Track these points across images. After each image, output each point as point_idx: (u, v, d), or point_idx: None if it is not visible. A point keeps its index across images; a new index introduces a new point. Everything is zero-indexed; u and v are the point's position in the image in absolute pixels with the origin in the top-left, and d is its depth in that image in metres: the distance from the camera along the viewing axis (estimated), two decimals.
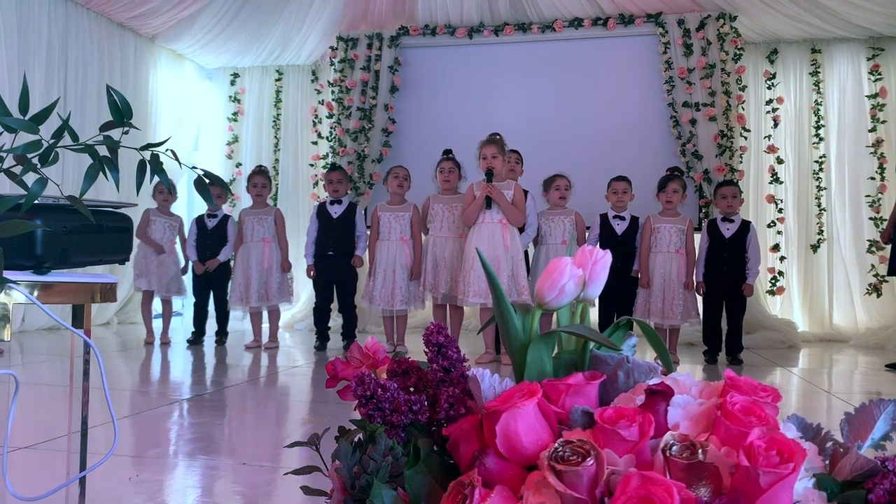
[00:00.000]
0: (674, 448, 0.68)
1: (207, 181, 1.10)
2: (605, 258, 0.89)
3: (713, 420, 0.73)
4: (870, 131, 6.54)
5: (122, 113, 0.85)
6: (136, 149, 0.91)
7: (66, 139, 0.86)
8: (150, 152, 0.89)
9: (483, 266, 0.90)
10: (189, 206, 7.25)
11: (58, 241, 1.21)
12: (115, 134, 0.88)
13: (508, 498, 0.71)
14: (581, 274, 0.87)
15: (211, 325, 5.51)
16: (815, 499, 0.68)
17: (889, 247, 4.57)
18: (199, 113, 7.83)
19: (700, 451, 0.68)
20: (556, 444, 0.70)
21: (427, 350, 0.90)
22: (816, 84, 6.70)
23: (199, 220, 5.48)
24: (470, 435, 0.80)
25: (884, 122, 6.51)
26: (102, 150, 0.86)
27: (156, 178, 0.97)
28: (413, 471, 0.81)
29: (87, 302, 1.35)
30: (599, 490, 0.68)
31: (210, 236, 5.42)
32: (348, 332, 5.28)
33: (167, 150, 0.90)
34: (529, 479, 0.72)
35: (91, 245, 1.30)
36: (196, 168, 0.96)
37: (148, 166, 0.89)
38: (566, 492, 0.67)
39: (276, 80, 7.70)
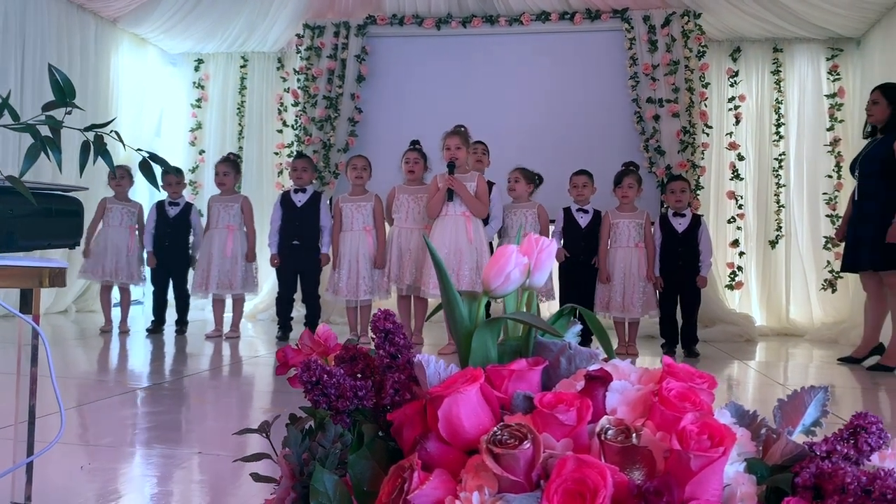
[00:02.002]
0: (609, 432, 0.70)
1: (163, 169, 1.08)
2: (551, 247, 0.91)
3: (650, 405, 0.75)
4: (828, 130, 6.69)
5: (64, 93, 0.83)
6: (79, 129, 0.89)
7: (7, 118, 0.85)
8: (93, 133, 0.88)
9: (430, 253, 0.90)
10: (152, 193, 7.14)
11: (3, 224, 1.18)
12: (58, 114, 0.86)
13: (447, 481, 0.72)
14: (526, 262, 0.88)
15: (171, 314, 5.44)
16: (745, 482, 0.70)
17: (844, 244, 4.68)
18: (161, 99, 7.70)
19: (634, 435, 0.69)
20: (495, 428, 0.71)
21: (374, 336, 0.91)
22: (777, 83, 6.83)
23: (160, 207, 5.39)
24: (413, 420, 0.81)
25: (841, 121, 6.66)
26: (45, 131, 0.85)
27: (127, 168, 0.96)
28: (356, 455, 0.82)
29: (36, 287, 1.33)
30: (536, 473, 0.69)
31: (171, 224, 5.34)
32: (312, 323, 5.25)
33: (111, 131, 0.89)
34: (469, 462, 0.73)
35: (39, 229, 1.28)
36: (141, 150, 0.95)
37: (91, 147, 0.87)
38: (503, 475, 0.68)
39: (241, 67, 7.61)
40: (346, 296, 5.01)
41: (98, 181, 5.60)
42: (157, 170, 0.99)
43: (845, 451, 0.72)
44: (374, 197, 5.11)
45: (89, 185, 5.39)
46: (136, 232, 5.40)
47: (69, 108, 0.87)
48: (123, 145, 0.92)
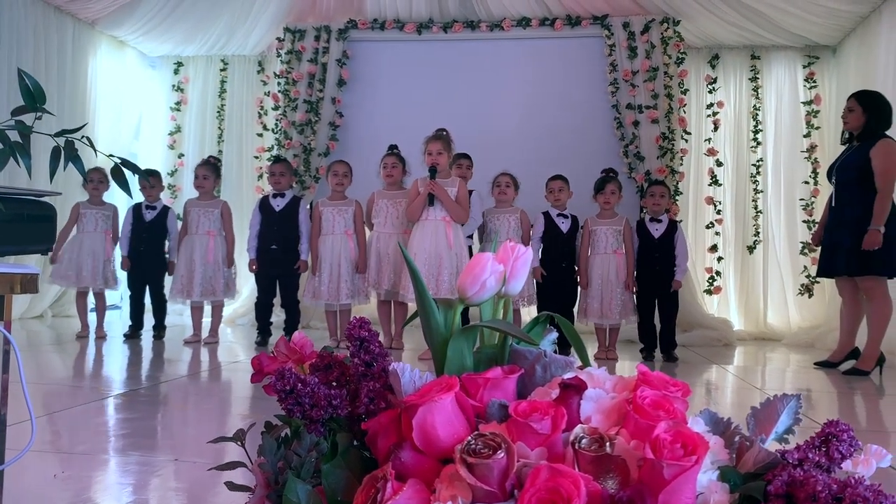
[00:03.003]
0: (583, 441, 0.70)
1: (137, 175, 1.07)
2: (526, 255, 0.91)
3: (624, 414, 0.75)
4: (804, 136, 6.77)
5: (34, 97, 0.82)
6: (49, 135, 0.88)
7: None
8: (64, 139, 0.87)
9: (405, 260, 0.90)
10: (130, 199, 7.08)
11: None
12: (28, 119, 0.85)
13: (421, 491, 0.71)
14: (502, 270, 0.88)
15: (149, 320, 5.38)
16: (718, 490, 0.70)
17: (820, 249, 4.73)
18: (140, 102, 7.64)
19: (608, 443, 0.69)
20: (469, 438, 0.70)
21: (349, 344, 0.90)
22: (755, 90, 6.90)
23: (136, 210, 5.33)
24: (388, 429, 0.80)
25: (818, 128, 6.74)
26: (16, 136, 0.84)
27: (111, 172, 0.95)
28: (331, 465, 0.81)
29: (7, 293, 1.31)
30: (510, 482, 0.69)
31: (147, 229, 5.28)
32: (291, 328, 5.22)
33: (83, 136, 0.88)
34: (444, 472, 0.72)
35: (10, 234, 1.26)
36: (113, 156, 0.93)
37: (62, 153, 0.86)
38: (477, 484, 0.68)
39: (221, 70, 7.57)
40: (328, 299, 4.99)
41: (73, 184, 5.52)
42: (131, 176, 0.98)
43: (817, 458, 0.73)
44: (354, 202, 5.10)
45: (64, 188, 5.32)
46: (111, 236, 5.32)
47: (39, 114, 0.86)
48: (95, 151, 0.91)
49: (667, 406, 0.74)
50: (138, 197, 5.38)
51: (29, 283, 1.33)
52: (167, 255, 5.36)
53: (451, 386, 0.78)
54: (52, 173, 0.90)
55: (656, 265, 4.95)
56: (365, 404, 0.84)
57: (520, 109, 6.71)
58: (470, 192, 4.85)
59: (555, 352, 0.89)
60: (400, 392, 0.83)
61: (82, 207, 5.26)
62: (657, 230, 4.99)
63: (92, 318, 5.37)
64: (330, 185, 5.15)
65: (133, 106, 7.53)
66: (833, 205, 4.54)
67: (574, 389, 0.77)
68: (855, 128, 4.47)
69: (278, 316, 5.51)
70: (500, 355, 0.88)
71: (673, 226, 5.04)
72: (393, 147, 5.06)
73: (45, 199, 1.41)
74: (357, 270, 5.00)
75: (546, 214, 5.08)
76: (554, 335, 0.92)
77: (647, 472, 0.67)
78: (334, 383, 0.93)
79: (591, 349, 5.07)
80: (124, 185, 1.01)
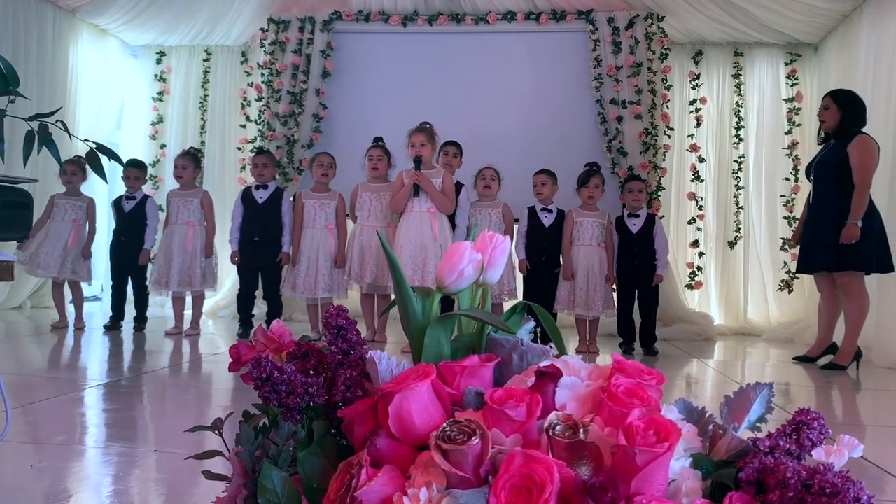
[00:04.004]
0: (557, 428, 0.70)
1: (122, 164, 1.06)
2: (504, 244, 0.91)
3: (598, 401, 0.75)
4: (786, 133, 6.82)
5: (7, 79, 0.81)
6: (23, 118, 0.87)
7: None
8: (38, 122, 0.86)
9: (384, 249, 0.90)
10: (111, 187, 6.98)
11: None
12: (1, 103, 0.84)
13: (396, 477, 0.72)
14: (480, 258, 0.89)
15: (130, 311, 5.34)
16: (690, 477, 0.71)
17: (799, 246, 4.78)
18: (122, 91, 7.56)
19: (582, 430, 0.70)
20: (445, 425, 0.71)
21: (327, 333, 0.90)
22: (738, 86, 6.94)
23: (117, 203, 5.31)
24: (365, 416, 0.80)
25: (799, 125, 6.80)
26: None
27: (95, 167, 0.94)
28: (306, 452, 0.81)
29: None
30: (484, 468, 0.69)
31: (127, 219, 5.25)
32: (272, 320, 5.19)
33: (57, 121, 0.87)
34: (419, 458, 0.73)
35: None
36: (88, 141, 0.92)
37: (36, 137, 0.85)
38: (451, 470, 0.68)
39: (205, 61, 7.50)
40: (304, 293, 4.98)
41: (53, 177, 5.44)
42: (106, 161, 0.97)
43: (788, 446, 0.74)
44: (337, 196, 5.09)
45: (43, 179, 5.26)
46: (83, 226, 5.23)
47: (12, 97, 0.85)
48: (70, 136, 0.90)
49: (641, 394, 0.75)
50: (118, 190, 5.33)
51: (4, 272, 1.32)
52: (146, 247, 5.32)
53: (427, 374, 0.78)
54: (26, 157, 0.88)
55: (636, 260, 4.98)
56: (342, 392, 0.84)
57: (504, 103, 6.71)
58: (459, 188, 4.86)
59: (533, 341, 0.89)
60: (377, 380, 0.83)
61: (57, 198, 5.21)
62: (635, 225, 5.03)
63: (71, 309, 5.32)
64: (314, 176, 5.13)
65: (115, 96, 7.45)
66: (812, 202, 4.58)
67: (550, 377, 0.78)
68: (831, 126, 4.51)
69: (260, 308, 5.49)
70: (477, 344, 0.88)
71: (651, 220, 5.07)
72: (378, 139, 5.05)
73: (23, 185, 1.39)
74: (335, 264, 4.99)
75: (531, 209, 5.10)
76: (531, 324, 0.93)
77: (620, 459, 0.68)
78: (311, 371, 0.93)
79: (572, 343, 5.09)
80: (99, 171, 1.00)
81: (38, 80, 6.30)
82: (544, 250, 5.02)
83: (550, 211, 5.07)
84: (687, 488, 0.70)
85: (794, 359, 4.74)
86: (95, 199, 5.46)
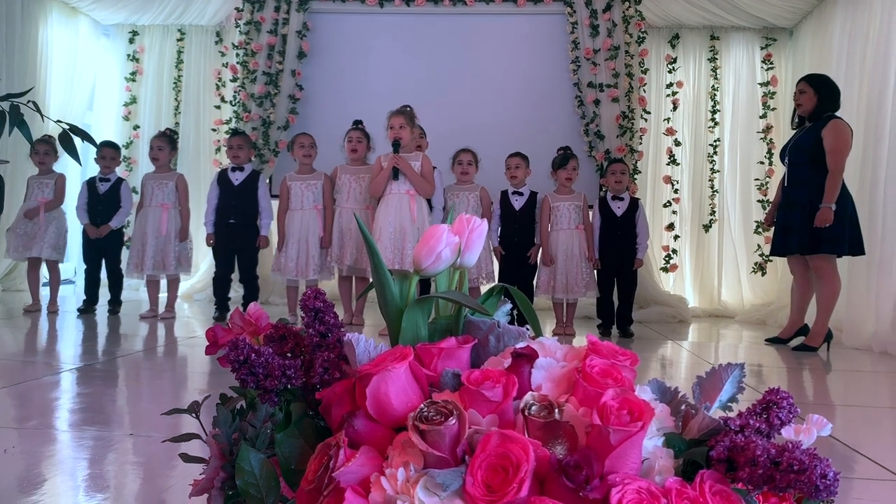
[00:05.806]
0: (533, 408, 0.71)
1: (92, 140, 1.05)
2: (482, 227, 0.91)
3: (573, 382, 0.76)
4: (761, 117, 6.89)
5: None
6: None
7: None
8: (9, 103, 0.85)
9: (361, 231, 0.90)
10: (84, 168, 6.88)
11: None
12: None
13: (374, 458, 0.72)
14: (457, 241, 0.89)
15: (104, 294, 5.29)
16: (663, 456, 0.72)
17: (773, 228, 4.84)
18: (94, 72, 7.43)
19: (557, 410, 0.71)
20: (422, 405, 0.71)
21: (304, 315, 0.90)
22: (714, 70, 6.99)
23: (91, 184, 5.24)
24: (342, 398, 0.81)
25: (773, 109, 6.86)
26: None
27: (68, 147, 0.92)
28: (284, 434, 0.81)
29: None
30: (461, 448, 0.70)
31: (101, 201, 5.19)
32: (249, 303, 5.17)
33: (28, 101, 0.85)
34: (396, 439, 0.73)
35: None
36: (61, 122, 0.91)
37: (7, 118, 0.84)
38: (429, 451, 0.69)
39: (179, 41, 7.40)
40: (295, 275, 4.97)
41: (21, 155, 5.37)
42: (79, 142, 0.95)
43: (757, 425, 0.76)
44: (322, 175, 5.06)
45: (12, 161, 5.18)
46: (44, 203, 5.16)
47: None
48: (42, 116, 0.89)
49: (615, 374, 0.76)
50: (92, 170, 5.27)
51: None
52: (122, 228, 5.27)
53: (405, 356, 0.78)
54: None
55: (618, 243, 5.01)
56: (319, 374, 0.85)
57: (481, 85, 6.69)
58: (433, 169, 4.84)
59: (509, 323, 0.90)
60: (354, 362, 0.84)
61: (31, 179, 5.17)
62: (619, 208, 5.05)
63: (45, 292, 5.25)
64: (297, 157, 5.09)
65: (86, 76, 7.32)
66: (785, 185, 4.64)
67: (526, 359, 0.78)
68: (807, 110, 4.56)
69: (237, 291, 5.46)
70: (454, 326, 0.88)
71: (634, 204, 5.10)
72: (358, 122, 5.03)
73: None
74: (321, 245, 4.97)
75: (504, 193, 5.11)
76: (508, 307, 0.94)
77: (594, 438, 0.69)
78: (289, 354, 0.93)
79: (549, 326, 5.13)
80: (73, 153, 0.98)
81: (7, 59, 6.17)
82: (515, 233, 5.02)
83: (521, 194, 5.07)
84: (660, 466, 0.71)
85: (767, 340, 4.82)
86: (67, 178, 5.39)
